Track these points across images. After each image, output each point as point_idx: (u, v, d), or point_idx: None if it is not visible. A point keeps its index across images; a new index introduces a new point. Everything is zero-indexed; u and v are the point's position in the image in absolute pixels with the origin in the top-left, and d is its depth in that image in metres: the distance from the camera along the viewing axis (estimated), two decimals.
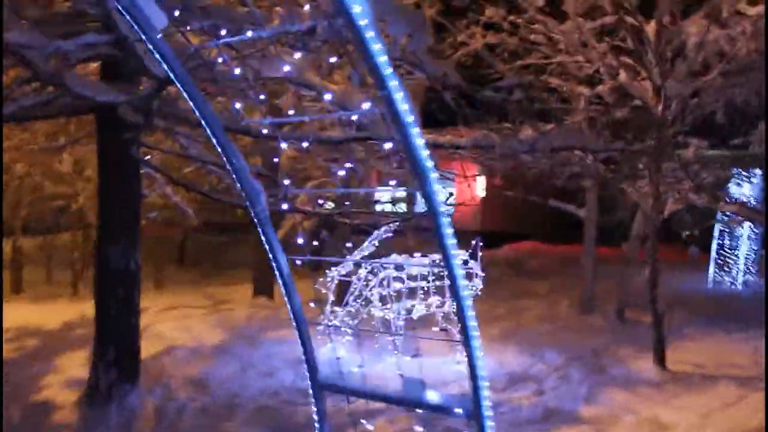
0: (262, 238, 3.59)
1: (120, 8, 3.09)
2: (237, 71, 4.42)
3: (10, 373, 7.66)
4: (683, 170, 9.69)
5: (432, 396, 3.17)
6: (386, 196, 13.19)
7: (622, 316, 12.27)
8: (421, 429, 4.61)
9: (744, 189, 16.45)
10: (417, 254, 8.92)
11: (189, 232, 20.32)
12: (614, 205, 14.58)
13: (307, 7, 4.80)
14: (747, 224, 16.63)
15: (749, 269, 17.27)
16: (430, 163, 2.69)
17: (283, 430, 6.52)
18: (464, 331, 2.86)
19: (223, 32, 4.52)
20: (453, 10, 12.06)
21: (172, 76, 3.27)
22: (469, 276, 8.96)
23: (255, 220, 3.56)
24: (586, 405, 7.23)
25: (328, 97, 6.13)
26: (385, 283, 8.73)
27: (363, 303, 8.91)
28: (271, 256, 3.61)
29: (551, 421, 6.78)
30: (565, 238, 19.76)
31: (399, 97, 2.61)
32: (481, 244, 8.91)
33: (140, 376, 7.15)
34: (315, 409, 3.83)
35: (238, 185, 3.53)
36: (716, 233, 17.58)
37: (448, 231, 2.77)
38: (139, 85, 6.76)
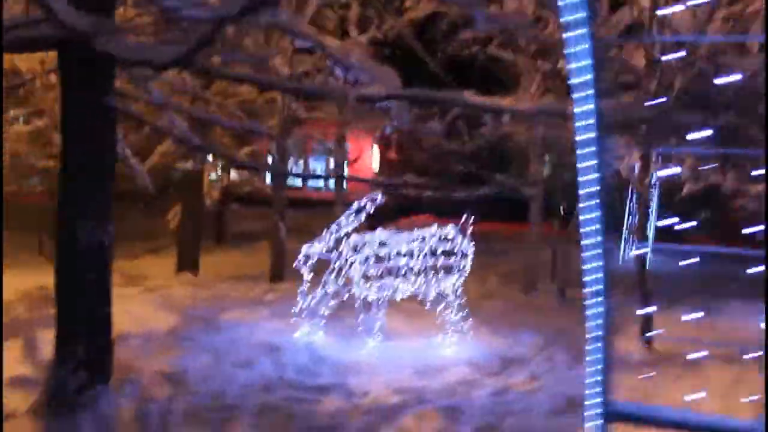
0: None
1: None
2: None
3: None
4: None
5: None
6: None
7: (564, 295, 12.33)
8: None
9: None
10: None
11: None
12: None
13: None
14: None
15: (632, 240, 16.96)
16: None
17: None
18: None
19: None
20: None
21: None
22: (453, 254, 8.46)
23: None
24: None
25: None
26: (368, 261, 8.05)
27: (343, 283, 8.19)
28: None
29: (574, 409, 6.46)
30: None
31: None
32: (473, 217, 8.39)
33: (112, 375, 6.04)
34: None
35: None
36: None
37: None
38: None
